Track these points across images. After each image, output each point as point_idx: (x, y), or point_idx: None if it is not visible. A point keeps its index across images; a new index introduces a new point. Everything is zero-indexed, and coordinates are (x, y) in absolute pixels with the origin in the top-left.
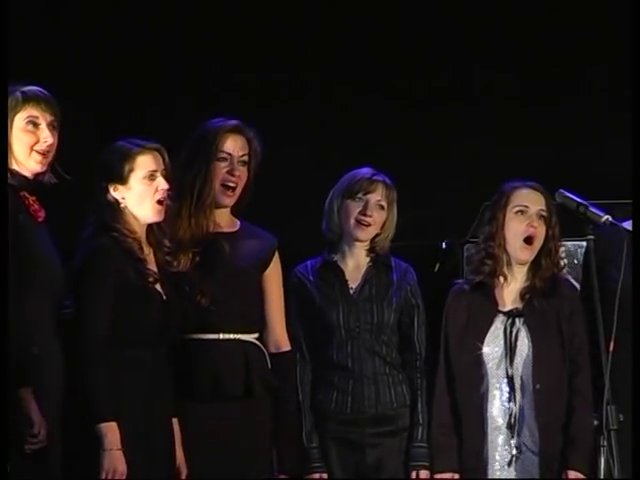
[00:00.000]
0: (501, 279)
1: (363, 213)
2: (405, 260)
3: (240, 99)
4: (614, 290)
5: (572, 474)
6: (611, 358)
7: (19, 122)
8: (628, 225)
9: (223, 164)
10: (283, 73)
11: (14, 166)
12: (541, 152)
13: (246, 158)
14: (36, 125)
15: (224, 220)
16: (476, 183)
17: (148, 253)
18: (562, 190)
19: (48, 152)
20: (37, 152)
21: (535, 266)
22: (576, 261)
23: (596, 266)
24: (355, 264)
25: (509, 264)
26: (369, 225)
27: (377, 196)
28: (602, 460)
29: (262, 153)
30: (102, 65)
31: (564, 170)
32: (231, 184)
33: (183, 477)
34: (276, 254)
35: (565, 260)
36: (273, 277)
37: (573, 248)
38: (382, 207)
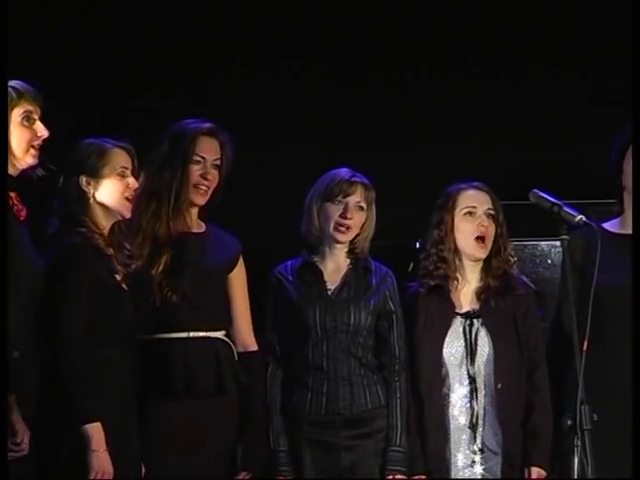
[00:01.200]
0: (455, 282)
1: (343, 216)
2: (380, 260)
3: (210, 99)
4: (596, 290)
5: (535, 471)
6: (585, 358)
7: (15, 118)
8: (608, 226)
9: (197, 167)
10: (257, 72)
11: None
12: (515, 152)
13: (218, 162)
14: (31, 120)
15: (193, 220)
16: (450, 183)
17: (112, 253)
18: (536, 190)
19: (41, 146)
20: (33, 147)
21: (487, 265)
22: (550, 261)
23: (579, 265)
24: (335, 266)
25: (462, 266)
26: (349, 228)
27: (357, 198)
28: (575, 460)
29: (234, 156)
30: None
31: (538, 170)
32: (203, 187)
33: (142, 476)
34: (241, 258)
35: (515, 257)
36: (238, 279)
37: (547, 248)
38: (362, 208)
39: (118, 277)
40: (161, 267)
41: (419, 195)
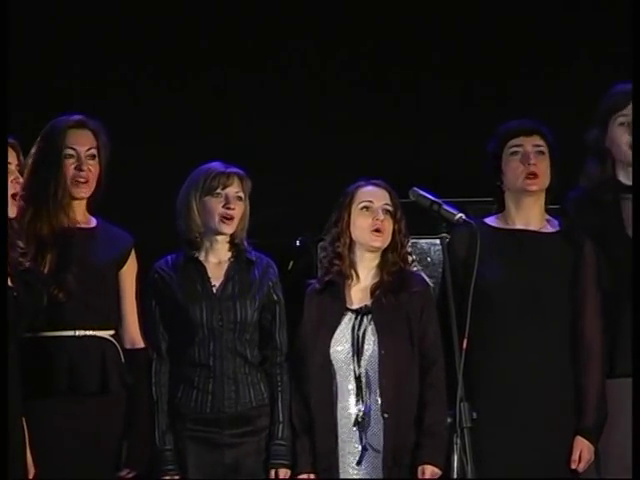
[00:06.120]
0: (349, 278)
1: (227, 207)
2: (267, 254)
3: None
4: (481, 287)
5: (429, 469)
6: (465, 356)
7: None
8: (489, 221)
9: (71, 160)
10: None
11: None
12: (396, 150)
13: (94, 151)
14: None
15: (80, 215)
16: (331, 180)
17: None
18: (415, 188)
19: None
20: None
21: (383, 261)
22: (429, 259)
23: (463, 262)
24: (217, 260)
25: (357, 262)
26: (233, 218)
27: (235, 188)
28: (455, 458)
29: (110, 145)
30: None
31: (418, 168)
32: (81, 179)
33: (31, 476)
34: (132, 252)
35: (414, 255)
36: (129, 275)
37: (426, 246)
38: (240, 198)
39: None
40: (47, 266)
41: (300, 193)
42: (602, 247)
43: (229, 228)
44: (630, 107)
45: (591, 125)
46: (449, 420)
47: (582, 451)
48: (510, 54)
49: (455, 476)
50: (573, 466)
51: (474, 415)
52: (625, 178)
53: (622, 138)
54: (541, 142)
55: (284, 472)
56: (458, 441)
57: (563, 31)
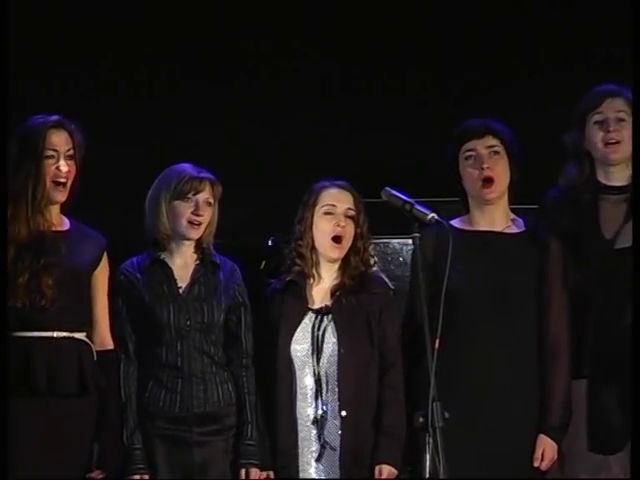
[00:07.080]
0: (311, 278)
1: (195, 213)
2: (231, 258)
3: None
4: (448, 288)
5: (386, 469)
6: (437, 356)
7: None
8: (455, 223)
9: (51, 161)
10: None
11: None
12: (368, 149)
13: (72, 152)
14: None
15: (55, 218)
16: (302, 180)
17: None
18: (388, 188)
19: None
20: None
21: (345, 264)
22: (401, 259)
23: (430, 263)
24: (183, 262)
25: (318, 263)
26: (200, 224)
27: (206, 194)
28: (427, 457)
29: (85, 145)
30: None
31: (390, 168)
32: (62, 180)
33: None
34: (105, 254)
35: (375, 258)
36: (101, 277)
37: (399, 246)
38: (210, 204)
39: None
40: (27, 270)
41: (271, 193)
42: (575, 246)
43: (196, 233)
44: (604, 105)
45: (569, 127)
46: (421, 420)
47: (545, 449)
48: (494, 53)
49: (427, 476)
50: (536, 464)
51: (446, 415)
52: (604, 178)
53: (597, 137)
54: (494, 142)
55: (255, 472)
56: (430, 441)
57: (547, 31)
